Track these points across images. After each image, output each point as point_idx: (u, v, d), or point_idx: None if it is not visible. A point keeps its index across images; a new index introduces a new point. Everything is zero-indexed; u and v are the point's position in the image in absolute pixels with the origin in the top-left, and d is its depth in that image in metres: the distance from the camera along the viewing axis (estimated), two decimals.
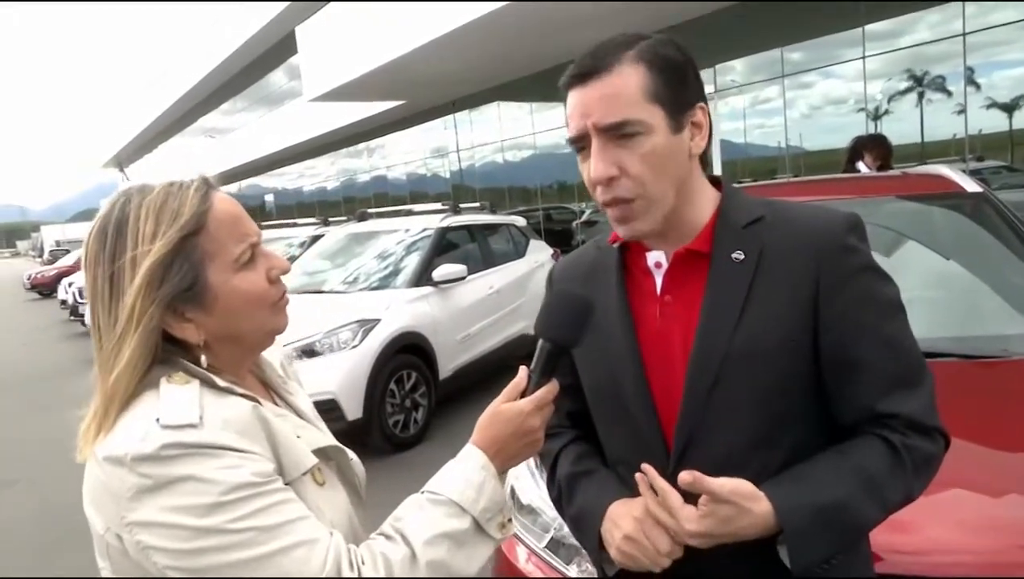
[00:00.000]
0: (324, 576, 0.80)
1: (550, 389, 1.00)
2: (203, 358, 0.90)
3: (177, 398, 0.83)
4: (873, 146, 5.14)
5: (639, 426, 1.07)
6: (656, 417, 1.05)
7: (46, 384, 8.73)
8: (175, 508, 0.78)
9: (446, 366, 5.67)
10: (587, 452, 1.20)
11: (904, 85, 8.68)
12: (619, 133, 0.97)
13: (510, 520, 0.99)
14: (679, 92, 0.99)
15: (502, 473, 0.98)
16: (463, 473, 0.94)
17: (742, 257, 1.02)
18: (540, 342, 1.01)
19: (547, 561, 1.85)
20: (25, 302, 21.50)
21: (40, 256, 38.30)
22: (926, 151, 8.53)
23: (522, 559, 1.90)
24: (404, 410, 5.17)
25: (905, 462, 0.97)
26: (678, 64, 1.00)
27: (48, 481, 5.09)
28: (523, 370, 1.02)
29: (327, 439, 1.00)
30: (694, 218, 1.06)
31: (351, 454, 1.06)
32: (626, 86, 0.97)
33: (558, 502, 1.22)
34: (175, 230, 0.86)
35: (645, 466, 1.01)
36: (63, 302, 14.20)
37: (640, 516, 1.00)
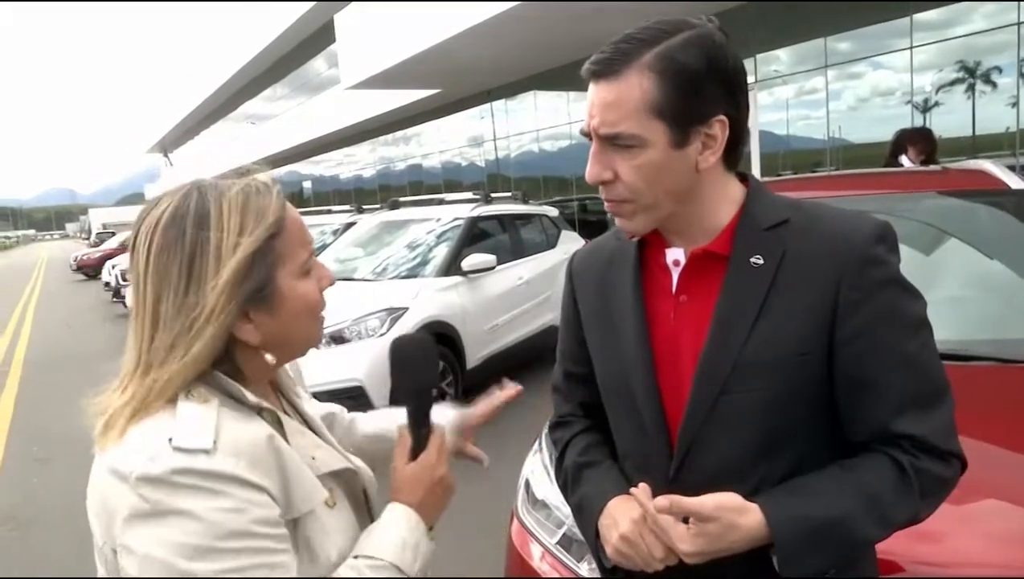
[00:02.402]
0: None
1: (439, 433, 1.04)
2: (269, 358, 0.90)
3: (193, 418, 0.80)
4: (917, 140, 4.98)
5: (645, 424, 1.06)
6: (663, 416, 1.04)
7: (87, 364, 8.97)
8: (164, 542, 0.75)
9: (474, 356, 5.67)
10: (596, 442, 1.19)
11: (954, 76, 8.40)
12: (615, 142, 0.96)
13: (429, 573, 0.99)
14: (690, 106, 0.94)
15: (429, 530, 0.99)
16: (398, 535, 0.93)
17: (761, 262, 0.98)
18: (404, 402, 1.04)
19: (559, 558, 1.82)
20: (71, 283, 22.14)
21: (87, 238, 39.40)
22: (977, 145, 8.26)
23: (536, 558, 1.87)
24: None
25: (911, 483, 0.93)
26: (695, 74, 0.93)
27: (81, 461, 5.22)
28: (402, 428, 1.04)
29: (340, 462, 0.98)
30: (711, 219, 1.02)
31: (363, 471, 1.03)
32: (629, 97, 0.93)
33: (564, 489, 1.22)
34: (263, 229, 0.85)
35: (635, 489, 0.99)
36: (106, 284, 14.59)
37: (638, 519, 0.98)
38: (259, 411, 0.89)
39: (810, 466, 0.97)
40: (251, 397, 0.87)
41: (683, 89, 0.93)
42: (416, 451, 1.01)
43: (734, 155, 1.02)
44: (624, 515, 1.01)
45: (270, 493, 0.81)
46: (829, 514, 0.91)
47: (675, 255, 1.04)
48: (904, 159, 4.86)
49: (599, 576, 1.70)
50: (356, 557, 0.89)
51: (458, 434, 1.23)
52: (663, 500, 0.92)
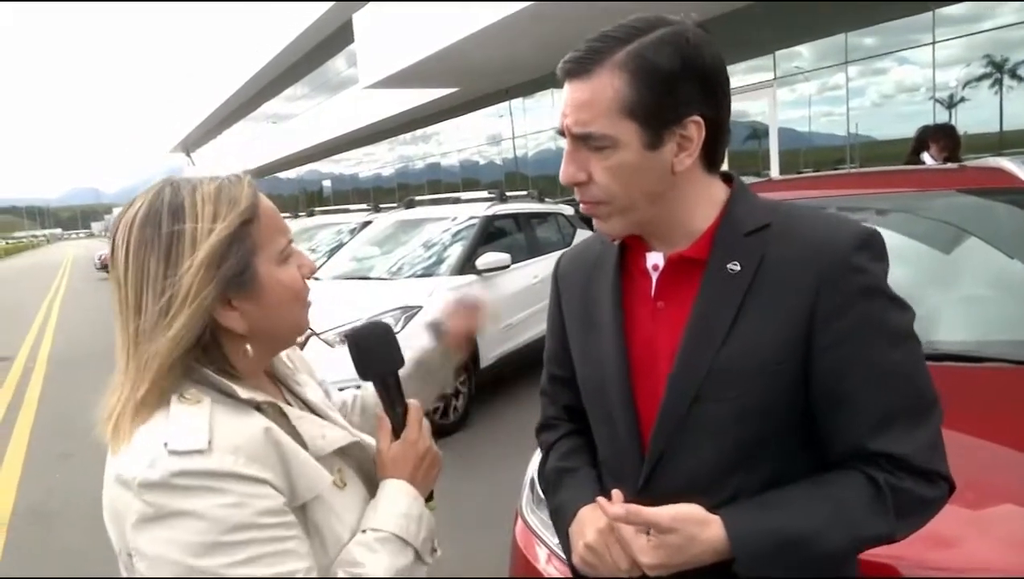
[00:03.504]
0: None
1: (415, 409, 1.07)
2: (249, 348, 0.91)
3: (186, 420, 0.82)
4: (940, 137, 4.91)
5: (618, 430, 1.05)
6: (636, 423, 1.03)
7: (111, 362, 9.07)
8: (173, 542, 0.78)
9: (487, 354, 5.66)
10: (577, 447, 1.19)
11: (980, 72, 8.25)
12: (587, 143, 0.95)
13: (439, 544, 1.02)
14: (662, 106, 0.92)
15: (429, 500, 1.03)
16: (401, 507, 0.97)
17: (738, 268, 0.95)
18: (371, 384, 1.07)
19: (563, 558, 1.81)
20: (96, 281, 22.46)
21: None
22: (1004, 141, 8.11)
23: (542, 559, 1.87)
24: (444, 397, 5.18)
25: (886, 501, 0.90)
26: (668, 74, 0.91)
27: (103, 457, 5.30)
28: (380, 413, 1.07)
29: (347, 437, 1.00)
30: (690, 223, 1.00)
31: (371, 445, 1.06)
32: (601, 97, 0.92)
33: (546, 494, 1.23)
34: (235, 214, 0.88)
35: (600, 499, 0.98)
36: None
37: (603, 528, 0.97)
38: (257, 406, 0.90)
39: (787, 480, 0.95)
40: (242, 393, 0.88)
41: (655, 89, 0.91)
42: (397, 431, 1.05)
43: (714, 156, 1.00)
44: (591, 524, 0.99)
45: (272, 484, 0.83)
46: (793, 529, 0.89)
47: (655, 259, 1.03)
48: (926, 156, 4.80)
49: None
50: (364, 531, 0.93)
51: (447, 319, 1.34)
52: (619, 509, 0.91)
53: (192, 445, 0.79)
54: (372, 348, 1.08)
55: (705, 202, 1.01)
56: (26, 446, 5.83)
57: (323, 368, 1.22)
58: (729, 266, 0.96)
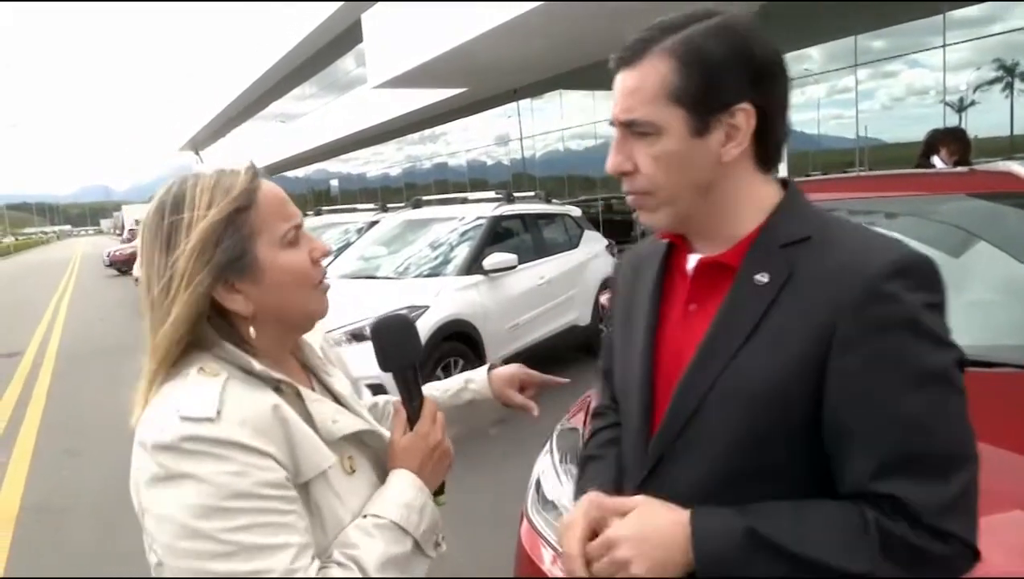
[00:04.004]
0: None
1: (430, 403, 1.08)
2: (251, 330, 0.95)
3: (200, 391, 0.87)
4: (949, 140, 4.88)
5: (631, 429, 1.05)
6: (648, 426, 1.02)
7: (118, 359, 9.14)
8: (176, 502, 0.82)
9: (494, 355, 5.67)
10: (614, 439, 1.18)
11: (991, 75, 8.21)
12: (633, 130, 0.94)
13: (444, 538, 1.03)
14: (710, 93, 0.90)
15: (440, 494, 1.05)
16: (403, 497, 0.98)
17: (765, 280, 0.91)
18: (392, 375, 1.08)
19: None
20: (104, 278, 22.58)
21: (120, 234, 40.17)
22: (1015, 145, 8.07)
23: (547, 560, 1.87)
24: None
25: (870, 536, 0.82)
26: (718, 60, 0.89)
27: (111, 454, 5.33)
28: (397, 403, 1.10)
29: (360, 424, 1.03)
30: (734, 225, 0.97)
31: (385, 436, 1.09)
32: (647, 83, 0.91)
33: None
34: (228, 202, 0.92)
35: (589, 493, 0.99)
36: (137, 279, 14.81)
37: (582, 513, 0.97)
38: (276, 386, 0.94)
39: None
40: (257, 365, 0.92)
41: (702, 75, 0.90)
42: (412, 422, 1.07)
43: (767, 152, 0.96)
44: (578, 507, 1.00)
45: (275, 458, 0.87)
46: (761, 529, 0.84)
47: (694, 261, 1.01)
48: (936, 160, 4.77)
49: None
50: (365, 516, 0.95)
51: (508, 383, 1.36)
52: (591, 497, 0.96)
53: (202, 413, 0.84)
54: (394, 340, 1.10)
55: (752, 203, 0.97)
56: (34, 442, 5.86)
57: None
58: (757, 277, 0.92)
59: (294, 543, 0.85)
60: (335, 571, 0.88)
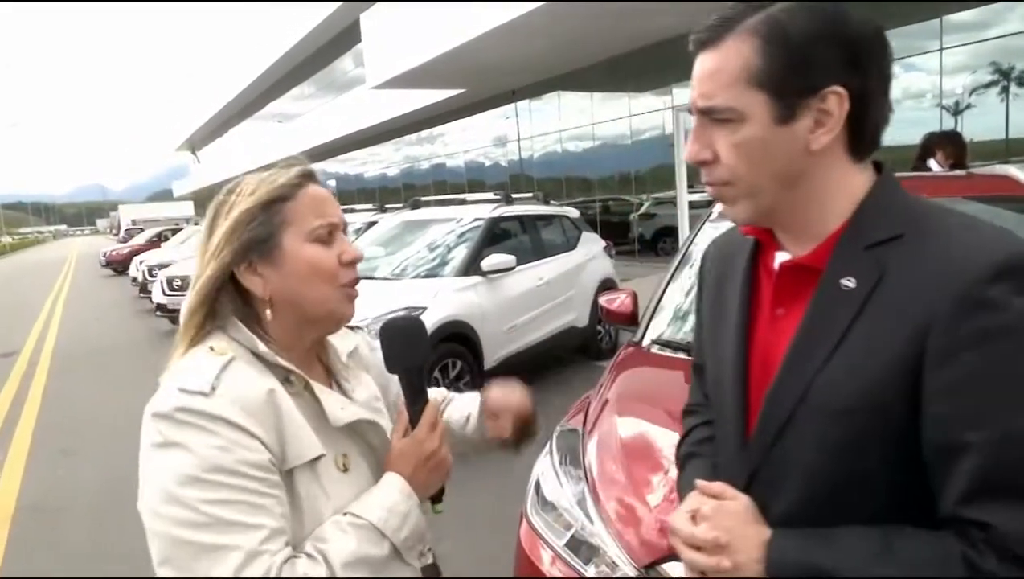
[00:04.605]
0: None
1: (430, 408, 1.06)
2: (268, 312, 0.99)
3: (202, 366, 0.92)
4: (945, 144, 4.89)
5: (728, 435, 1.00)
6: (744, 433, 0.96)
7: (113, 359, 9.13)
8: (164, 468, 0.87)
9: (492, 356, 5.67)
10: (710, 437, 1.13)
11: (988, 79, 8.25)
12: (712, 117, 0.88)
13: (430, 549, 1.01)
14: (797, 75, 0.82)
15: (421, 502, 1.03)
16: (387, 500, 0.98)
17: (852, 285, 0.84)
18: (398, 377, 1.08)
19: (566, 560, 1.82)
20: (100, 278, 22.51)
21: (117, 234, 40.05)
22: (1010, 148, 8.10)
23: (546, 562, 1.87)
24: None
25: (954, 570, 0.76)
26: (806, 38, 0.82)
27: (106, 453, 5.32)
28: (400, 405, 1.08)
29: (365, 414, 1.04)
30: (822, 220, 0.89)
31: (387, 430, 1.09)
32: (728, 67, 0.85)
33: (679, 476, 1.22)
34: (268, 190, 0.99)
35: (700, 482, 0.98)
36: (134, 280, 14.80)
37: (687, 510, 0.96)
38: (286, 376, 0.97)
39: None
40: (261, 346, 0.96)
41: (788, 55, 0.82)
42: (413, 426, 1.06)
43: (862, 139, 0.87)
44: (683, 505, 0.98)
45: (262, 441, 0.89)
46: (830, 564, 0.81)
47: (782, 260, 0.94)
48: (932, 163, 4.78)
49: (606, 577, 1.71)
50: (344, 514, 0.95)
51: (484, 421, 1.28)
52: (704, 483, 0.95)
53: (197, 387, 0.89)
54: (403, 341, 1.10)
55: (843, 195, 0.89)
56: (30, 441, 5.84)
57: None
58: (843, 281, 0.85)
59: (267, 525, 0.87)
60: (302, 561, 0.89)
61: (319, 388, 1.00)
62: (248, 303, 1.00)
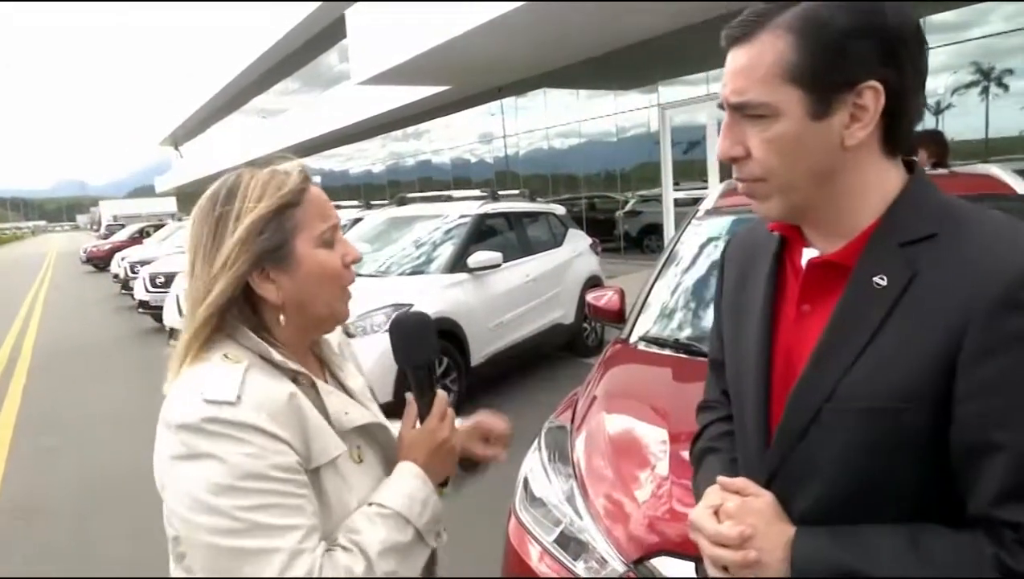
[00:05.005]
0: None
1: (439, 400, 1.10)
2: (281, 318, 1.01)
3: (223, 376, 0.92)
4: (928, 143, 4.93)
5: (748, 432, 0.99)
6: (766, 431, 0.96)
7: (95, 356, 9.04)
8: (195, 479, 0.88)
9: (478, 353, 5.67)
10: (727, 433, 1.13)
11: (968, 79, 8.34)
12: (745, 113, 0.86)
13: (445, 529, 1.05)
14: (831, 68, 0.81)
15: (444, 485, 1.09)
16: (408, 488, 1.03)
17: (884, 283, 0.83)
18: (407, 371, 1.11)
19: (555, 556, 1.82)
20: (81, 275, 22.27)
21: (97, 230, 39.61)
22: (990, 148, 8.20)
23: (535, 557, 1.88)
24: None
25: (985, 572, 0.76)
26: (841, 32, 0.80)
27: (87, 452, 5.27)
28: (410, 397, 1.12)
29: (370, 417, 1.07)
30: (854, 217, 0.88)
31: (392, 430, 1.13)
32: (761, 61, 0.83)
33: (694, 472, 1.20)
34: (278, 197, 0.99)
35: (721, 478, 0.97)
36: (115, 276, 14.65)
37: (709, 506, 0.95)
38: (294, 377, 0.99)
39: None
40: (276, 354, 0.98)
41: (823, 49, 0.81)
42: (422, 417, 1.11)
43: (897, 135, 0.86)
44: (703, 501, 0.97)
45: (289, 443, 0.92)
46: (856, 565, 0.81)
47: (809, 257, 0.93)
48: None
49: (595, 576, 1.72)
50: (370, 504, 1.00)
51: (468, 439, 1.24)
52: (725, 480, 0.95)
53: (224, 396, 0.89)
54: (411, 337, 1.14)
55: (876, 192, 0.88)
56: (9, 440, 5.77)
57: None
58: (875, 279, 0.84)
59: (303, 524, 0.90)
60: (339, 554, 0.93)
61: (324, 389, 1.03)
62: (256, 310, 1.01)
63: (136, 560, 3.49)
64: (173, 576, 1.00)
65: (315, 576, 0.88)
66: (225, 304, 0.97)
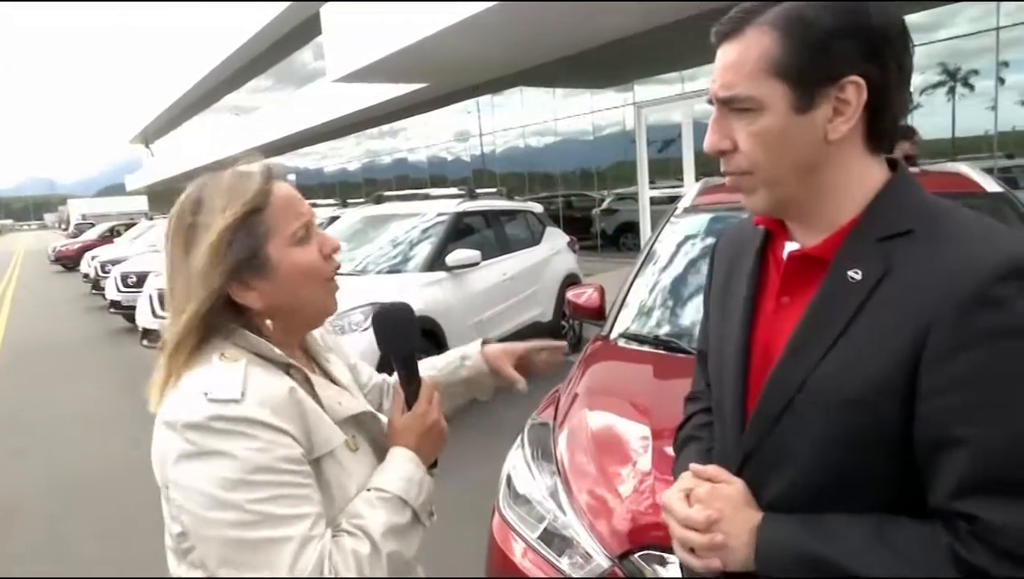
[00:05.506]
0: (307, 576, 0.89)
1: (427, 385, 1.14)
2: (268, 323, 1.02)
3: (224, 375, 0.94)
4: (907, 137, 5.00)
5: (725, 422, 1.02)
6: (741, 421, 0.98)
7: (66, 356, 8.87)
8: (206, 476, 0.89)
9: None
10: (708, 423, 1.15)
11: (935, 79, 8.50)
12: (732, 106, 0.89)
13: (435, 509, 1.10)
14: (816, 64, 0.83)
15: (433, 467, 1.13)
16: (404, 472, 1.06)
17: (859, 277, 0.85)
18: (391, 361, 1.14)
19: (540, 553, 1.84)
20: (50, 274, 21.83)
21: (66, 229, 38.85)
22: (957, 147, 8.37)
23: (518, 554, 1.89)
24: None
25: (942, 562, 0.77)
26: (825, 28, 0.83)
27: (58, 453, 5.18)
28: (396, 386, 1.16)
29: (361, 406, 1.11)
30: (836, 212, 0.90)
31: (381, 418, 1.17)
32: (748, 57, 0.86)
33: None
34: (240, 205, 0.98)
35: (694, 465, 0.99)
36: (85, 276, 14.38)
37: (680, 489, 0.98)
38: (287, 369, 1.02)
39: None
40: (277, 351, 1.00)
41: (807, 45, 0.83)
42: (410, 404, 1.14)
43: (878, 129, 0.88)
44: (675, 485, 1.00)
45: (293, 436, 0.94)
46: (823, 553, 0.83)
47: (790, 249, 0.96)
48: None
49: (581, 576, 1.73)
50: (369, 490, 1.03)
51: (502, 353, 1.41)
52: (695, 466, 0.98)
53: (228, 394, 0.91)
54: (395, 328, 1.17)
55: (858, 187, 0.89)
56: None
57: None
58: (850, 273, 0.86)
59: (311, 513, 0.93)
60: (345, 539, 0.96)
61: (316, 382, 1.05)
62: (242, 313, 1.02)
63: (109, 559, 3.46)
64: (174, 573, 1.01)
65: (324, 563, 0.91)
66: (201, 321, 0.97)
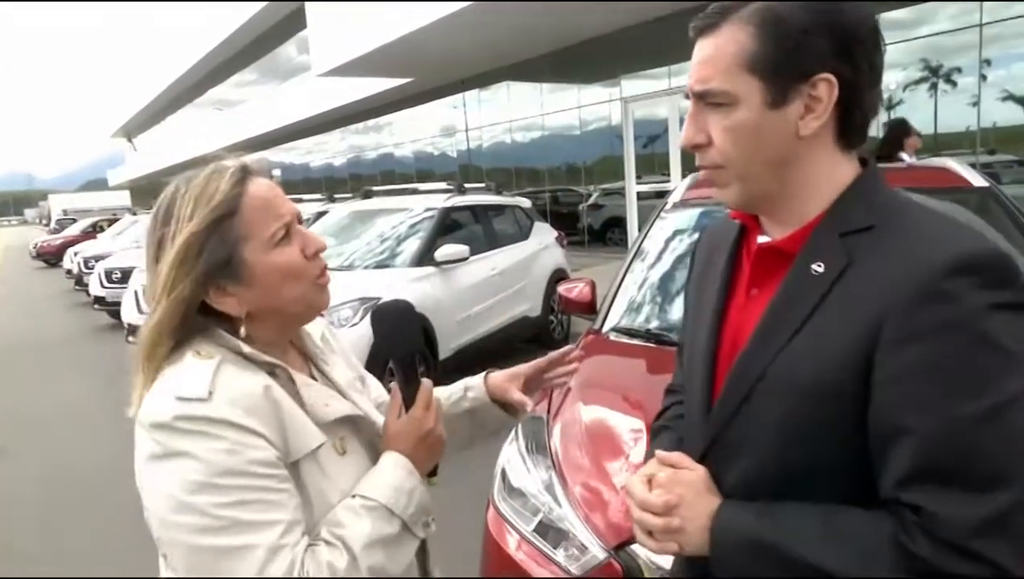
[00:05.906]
0: None
1: (424, 390, 1.09)
2: (242, 329, 0.97)
3: (194, 373, 0.91)
4: (909, 132, 5.02)
5: (693, 408, 1.04)
6: (708, 407, 1.00)
7: (49, 353, 8.79)
8: (172, 478, 0.86)
9: (446, 346, 5.67)
10: (681, 414, 1.16)
11: (918, 75, 8.59)
12: (707, 100, 0.90)
13: (433, 520, 1.05)
14: (789, 61, 0.85)
15: (432, 476, 1.09)
16: (393, 479, 1.01)
17: (821, 270, 0.87)
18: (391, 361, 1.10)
19: (535, 545, 1.85)
20: (32, 270, 21.58)
21: (47, 225, 38.38)
22: (939, 143, 8.46)
23: (512, 546, 1.90)
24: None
25: (882, 550, 0.78)
26: (798, 26, 0.85)
27: (42, 451, 5.14)
28: (394, 387, 1.11)
29: (350, 409, 1.05)
30: (805, 207, 0.92)
31: (377, 422, 1.11)
32: (723, 52, 0.88)
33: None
34: (208, 212, 0.94)
35: (659, 452, 1.00)
36: (68, 272, 14.24)
37: (641, 475, 0.99)
38: (271, 370, 0.98)
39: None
40: (246, 348, 0.96)
41: (781, 42, 0.85)
42: (407, 407, 1.09)
43: (850, 127, 0.90)
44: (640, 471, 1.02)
45: (266, 437, 0.90)
46: (775, 539, 0.84)
47: (760, 242, 0.98)
48: (903, 155, 4.87)
49: (577, 575, 1.75)
50: (354, 497, 0.98)
51: (507, 380, 1.34)
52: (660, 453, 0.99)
53: (195, 393, 0.88)
54: (394, 327, 1.12)
55: (828, 184, 0.91)
56: None
57: None
58: (813, 266, 0.88)
59: (283, 520, 0.88)
60: (322, 548, 0.91)
61: (301, 381, 1.01)
62: (222, 315, 0.98)
63: (98, 558, 3.44)
64: (162, 574, 0.98)
65: (295, 574, 0.86)
66: (171, 328, 0.94)
